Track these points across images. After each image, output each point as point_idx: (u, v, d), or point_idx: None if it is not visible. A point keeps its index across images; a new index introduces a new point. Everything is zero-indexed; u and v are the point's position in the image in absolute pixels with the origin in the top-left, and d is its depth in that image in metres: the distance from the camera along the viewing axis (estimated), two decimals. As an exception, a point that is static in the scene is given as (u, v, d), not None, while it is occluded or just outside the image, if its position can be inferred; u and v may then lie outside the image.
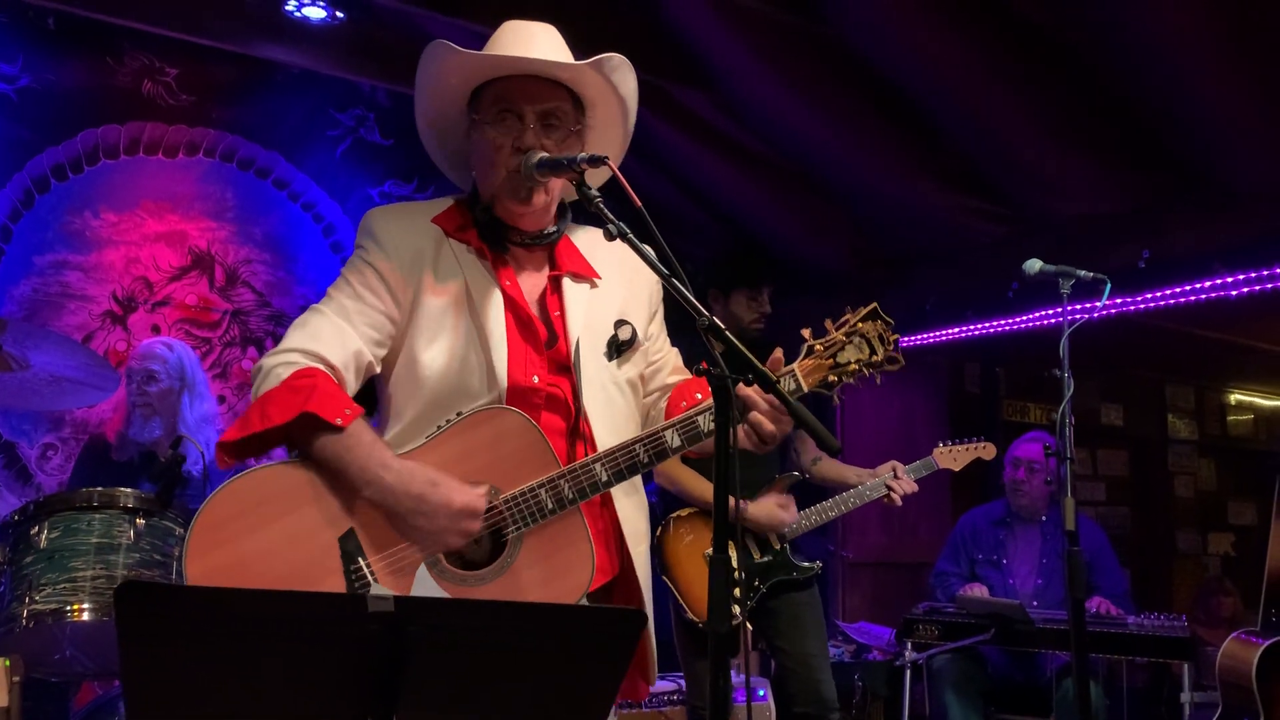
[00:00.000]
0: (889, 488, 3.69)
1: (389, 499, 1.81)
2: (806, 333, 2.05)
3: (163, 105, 5.19)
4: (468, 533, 1.82)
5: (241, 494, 1.80)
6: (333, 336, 1.92)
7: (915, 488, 3.74)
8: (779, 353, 1.99)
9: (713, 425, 1.79)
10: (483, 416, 1.89)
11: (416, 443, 1.90)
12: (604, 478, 1.89)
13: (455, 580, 1.86)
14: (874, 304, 2.08)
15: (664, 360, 2.21)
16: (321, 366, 1.89)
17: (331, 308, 1.96)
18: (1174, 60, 3.98)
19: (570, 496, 1.87)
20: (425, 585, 1.79)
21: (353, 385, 1.95)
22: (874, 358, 2.05)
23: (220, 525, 1.77)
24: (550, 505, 1.86)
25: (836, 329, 2.05)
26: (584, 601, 1.90)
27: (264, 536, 1.78)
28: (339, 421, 1.80)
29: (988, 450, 4.03)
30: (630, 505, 2.03)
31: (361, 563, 1.82)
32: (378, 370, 2.00)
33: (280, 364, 1.88)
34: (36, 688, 3.18)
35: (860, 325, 2.05)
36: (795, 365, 2.01)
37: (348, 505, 1.83)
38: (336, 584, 1.80)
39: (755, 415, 1.90)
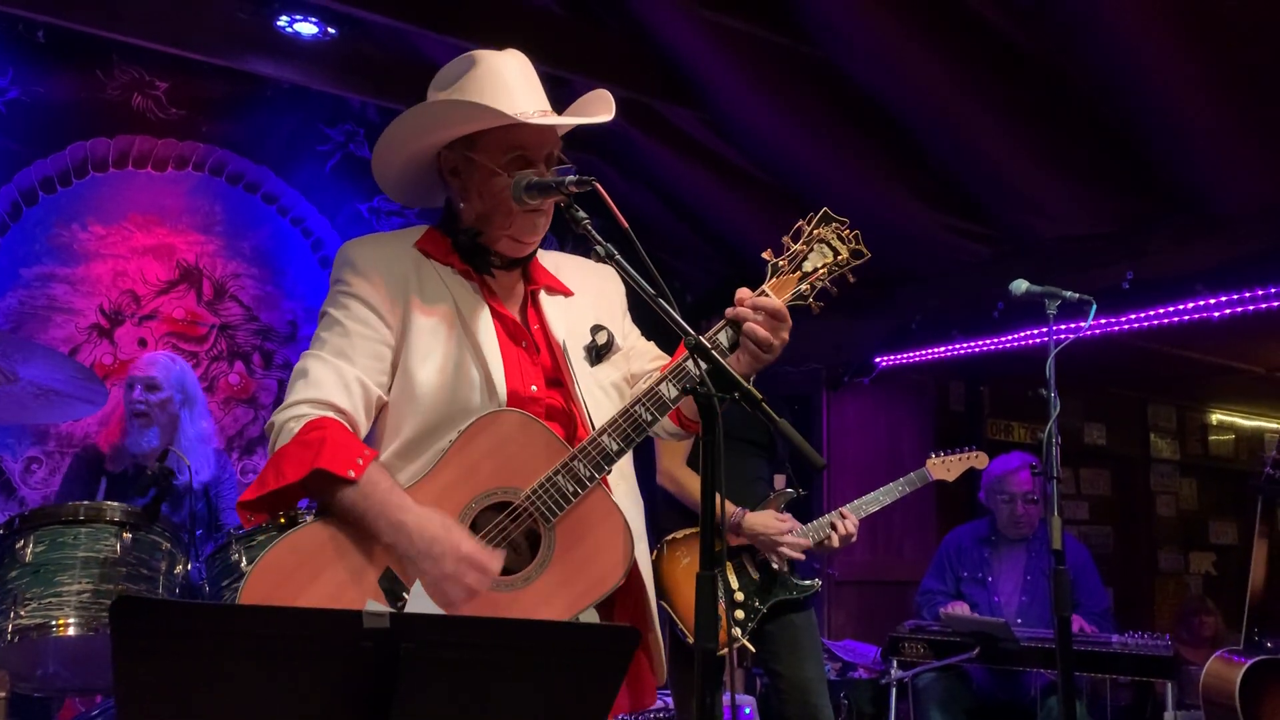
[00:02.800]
0: (833, 526, 3.62)
1: (404, 541, 1.80)
2: (767, 254, 2.04)
3: (152, 119, 5.20)
4: (469, 587, 1.80)
5: (279, 562, 1.80)
6: (335, 380, 1.92)
7: (855, 531, 3.65)
8: (743, 291, 1.97)
9: (703, 370, 1.69)
10: (478, 426, 1.88)
11: (421, 470, 1.89)
12: (615, 447, 1.88)
13: (499, 586, 1.84)
14: (824, 209, 2.06)
15: (640, 349, 2.21)
16: (331, 414, 1.89)
17: (327, 350, 1.95)
18: (1158, 84, 4.03)
19: (588, 474, 1.86)
20: (420, 602, 1.79)
21: (365, 425, 1.95)
22: (839, 258, 2.04)
23: (267, 596, 1.77)
24: (571, 489, 1.86)
25: (794, 240, 2.04)
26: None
27: (310, 596, 1.78)
28: (351, 474, 1.80)
29: (980, 459, 4.03)
30: (624, 495, 2.01)
31: (406, 598, 1.82)
32: (386, 399, 1.97)
33: (290, 419, 1.88)
34: (20, 703, 3.17)
35: (817, 231, 2.04)
36: (765, 285, 2.00)
37: (380, 548, 1.84)
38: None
39: (749, 326, 1.89)
